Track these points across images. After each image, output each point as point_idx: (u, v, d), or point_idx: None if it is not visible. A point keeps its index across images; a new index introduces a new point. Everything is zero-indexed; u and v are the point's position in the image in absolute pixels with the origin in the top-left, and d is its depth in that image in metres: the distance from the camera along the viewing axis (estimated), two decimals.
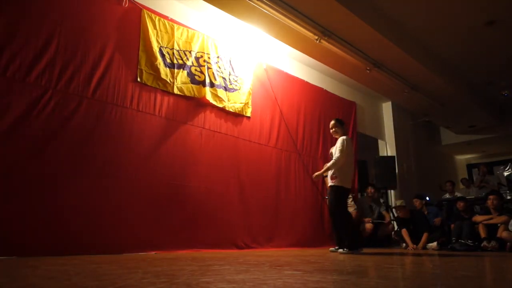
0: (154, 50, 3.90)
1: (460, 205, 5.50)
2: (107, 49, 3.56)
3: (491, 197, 5.05)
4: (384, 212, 5.82)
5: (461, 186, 8.01)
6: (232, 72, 4.72)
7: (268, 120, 5.11)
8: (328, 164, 3.87)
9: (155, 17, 3.98)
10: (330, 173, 3.87)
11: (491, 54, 5.90)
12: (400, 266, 2.46)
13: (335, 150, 3.88)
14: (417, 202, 5.84)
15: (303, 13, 4.37)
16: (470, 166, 11.18)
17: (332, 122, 4.13)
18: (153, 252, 3.37)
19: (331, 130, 4.14)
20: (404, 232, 5.25)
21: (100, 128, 3.38)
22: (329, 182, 3.87)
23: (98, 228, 3.14)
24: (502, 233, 4.66)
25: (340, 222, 3.77)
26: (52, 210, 2.93)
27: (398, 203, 5.38)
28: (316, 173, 4.04)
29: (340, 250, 3.73)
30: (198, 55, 4.34)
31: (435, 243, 5.13)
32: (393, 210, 5.99)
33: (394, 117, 7.53)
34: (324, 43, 4.77)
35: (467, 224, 5.08)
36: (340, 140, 3.90)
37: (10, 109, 2.88)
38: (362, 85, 6.52)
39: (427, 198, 6.73)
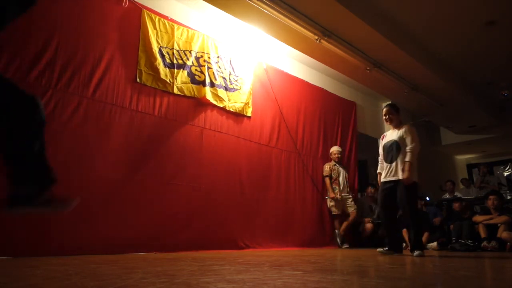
0: (153, 50, 3.89)
1: (456, 206, 5.50)
2: (107, 49, 3.56)
3: (491, 197, 5.05)
4: None
5: (461, 186, 8.01)
6: (232, 72, 4.72)
7: (268, 120, 5.11)
8: (408, 159, 3.45)
9: (155, 17, 3.97)
10: (396, 166, 3.52)
11: (491, 54, 5.90)
12: (400, 266, 2.46)
13: (407, 139, 3.53)
14: None
15: (303, 13, 4.37)
16: (470, 166, 11.17)
17: (387, 108, 3.72)
18: (153, 252, 3.37)
19: (385, 117, 3.73)
20: (405, 232, 5.25)
21: (99, 128, 3.38)
22: (400, 176, 3.47)
23: (98, 228, 3.14)
24: (502, 233, 4.66)
25: (417, 221, 3.48)
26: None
27: None
28: (406, 175, 3.40)
29: (418, 252, 3.35)
30: (198, 55, 4.34)
31: (435, 243, 5.12)
32: None
33: None
34: (324, 43, 4.77)
35: (467, 224, 5.08)
36: (408, 128, 3.59)
37: None
38: (362, 85, 6.52)
39: (427, 198, 6.73)
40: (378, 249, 3.63)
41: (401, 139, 3.59)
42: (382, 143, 3.82)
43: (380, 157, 3.81)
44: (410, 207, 3.44)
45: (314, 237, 5.26)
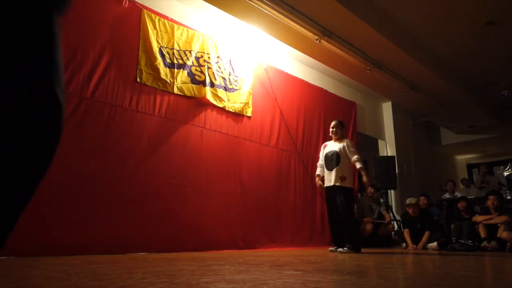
0: (154, 50, 3.89)
1: (462, 204, 5.49)
2: (107, 49, 3.55)
3: (491, 197, 5.05)
4: (384, 212, 5.82)
5: (461, 186, 8.01)
6: (232, 72, 4.72)
7: (268, 120, 5.11)
8: (360, 165, 3.90)
9: (155, 17, 3.97)
10: (335, 174, 3.93)
11: (491, 54, 5.90)
12: (400, 266, 2.46)
13: (349, 150, 3.98)
14: (424, 201, 5.80)
15: (303, 13, 4.37)
16: (470, 166, 11.17)
17: (335, 122, 4.21)
18: (153, 252, 3.37)
19: (331, 129, 4.20)
20: (406, 232, 5.25)
21: (99, 128, 3.37)
22: (338, 183, 3.90)
23: (98, 228, 3.14)
24: (502, 233, 4.65)
25: (351, 223, 3.90)
26: (52, 210, 2.93)
27: (413, 201, 5.38)
28: (365, 179, 3.95)
29: (340, 249, 3.80)
30: (198, 55, 4.34)
31: (435, 243, 5.12)
32: (393, 210, 5.97)
33: (394, 117, 7.53)
34: (324, 43, 4.77)
35: (467, 224, 5.08)
36: (349, 142, 4.10)
37: None
38: (362, 85, 6.52)
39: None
40: (330, 248, 3.95)
41: (342, 151, 3.99)
42: (324, 151, 4.21)
43: (321, 162, 4.20)
44: (346, 210, 3.85)
45: (314, 237, 5.25)
